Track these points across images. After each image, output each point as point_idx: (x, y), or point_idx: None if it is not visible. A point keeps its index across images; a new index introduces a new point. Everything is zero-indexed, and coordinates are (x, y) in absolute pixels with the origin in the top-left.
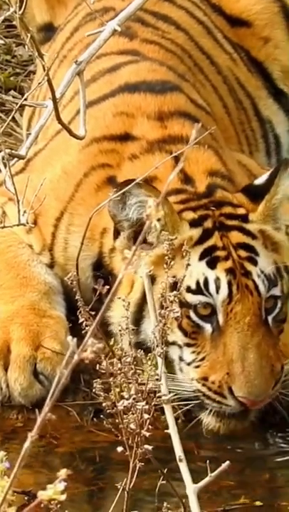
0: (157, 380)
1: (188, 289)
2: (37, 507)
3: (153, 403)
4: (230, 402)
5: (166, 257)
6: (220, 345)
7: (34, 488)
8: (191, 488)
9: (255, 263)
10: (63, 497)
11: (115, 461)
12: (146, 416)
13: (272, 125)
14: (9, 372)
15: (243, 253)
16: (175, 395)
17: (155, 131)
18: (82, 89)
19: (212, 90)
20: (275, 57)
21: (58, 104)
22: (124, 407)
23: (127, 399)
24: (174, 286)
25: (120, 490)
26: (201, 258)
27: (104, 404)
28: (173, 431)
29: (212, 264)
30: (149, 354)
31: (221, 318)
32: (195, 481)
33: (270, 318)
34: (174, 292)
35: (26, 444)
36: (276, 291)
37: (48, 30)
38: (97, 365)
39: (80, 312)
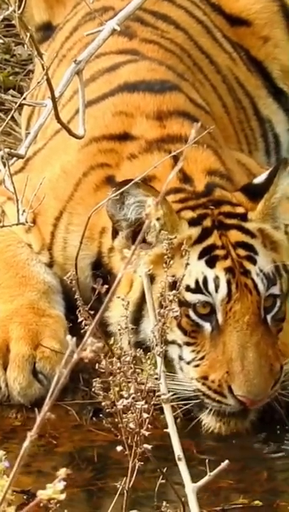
0: (156, 379)
1: (188, 288)
2: (36, 506)
3: (152, 402)
4: (230, 401)
5: (166, 257)
6: (219, 344)
7: (33, 487)
8: (190, 488)
9: (254, 262)
10: (63, 496)
11: (114, 460)
12: (145, 415)
13: (272, 124)
14: (8, 372)
15: (242, 252)
16: (174, 394)
17: (154, 130)
18: (81, 89)
19: (211, 89)
20: (274, 56)
21: (57, 103)
22: (124, 406)
23: (127, 398)
24: (174, 286)
25: (119, 489)
26: (200, 257)
27: (103, 404)
28: (172, 430)
29: (211, 263)
30: (149, 353)
31: (220, 317)
32: (194, 480)
33: (269, 317)
34: (174, 291)
35: (26, 444)
36: (275, 290)
37: (47, 30)
38: (97, 365)
39: (79, 311)
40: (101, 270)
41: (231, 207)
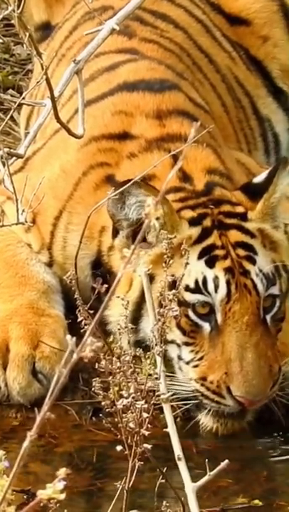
0: (156, 378)
1: (187, 288)
2: (36, 506)
3: (152, 402)
4: (229, 401)
5: (165, 256)
6: (218, 345)
7: (33, 487)
8: (189, 487)
9: (253, 262)
10: (63, 496)
11: (114, 459)
12: (145, 415)
13: (271, 124)
14: (8, 371)
15: (241, 252)
16: (174, 394)
17: (154, 129)
18: (80, 88)
19: (210, 89)
20: (274, 55)
21: (56, 103)
22: (124, 405)
23: (126, 398)
24: (173, 285)
25: (119, 489)
26: (199, 257)
27: (103, 403)
28: (172, 430)
29: (211, 263)
30: (148, 353)
31: (219, 317)
32: (194, 479)
33: (268, 317)
34: (173, 291)
35: (25, 443)
36: (274, 290)
37: (46, 29)
38: (96, 364)
39: (79, 311)
40: (101, 269)
41: (231, 206)
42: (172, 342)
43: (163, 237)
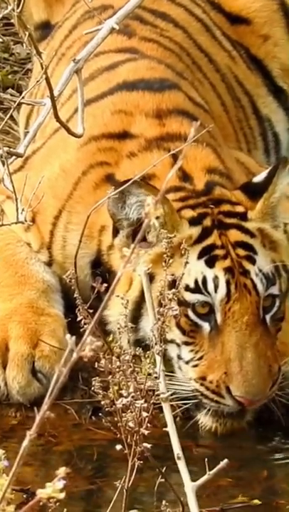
0: (156, 378)
1: (187, 288)
2: (36, 505)
3: (152, 401)
4: (228, 401)
5: (165, 255)
6: (218, 344)
7: (33, 486)
8: (189, 487)
9: (253, 262)
10: (62, 495)
11: (114, 459)
12: (144, 414)
13: (272, 123)
14: (7, 371)
15: (241, 252)
16: (173, 393)
17: (153, 129)
18: (80, 88)
19: (210, 88)
20: (274, 54)
21: (56, 102)
22: (123, 405)
23: (126, 397)
24: (173, 284)
25: (119, 488)
26: (199, 257)
27: (102, 403)
28: (171, 429)
29: (211, 263)
30: (148, 352)
31: (219, 317)
32: (193, 479)
33: (268, 317)
34: (173, 290)
35: (25, 443)
36: (274, 290)
37: (46, 28)
38: (96, 363)
39: (79, 310)
40: (100, 268)
41: (231, 206)
42: (172, 341)
43: (163, 236)
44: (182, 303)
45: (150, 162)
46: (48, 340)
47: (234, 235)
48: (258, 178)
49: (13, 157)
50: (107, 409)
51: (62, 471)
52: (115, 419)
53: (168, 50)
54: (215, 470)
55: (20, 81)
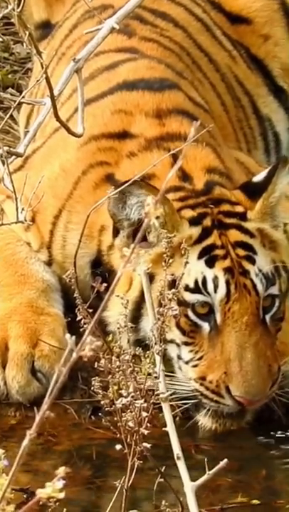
0: (156, 378)
1: (187, 288)
2: (35, 505)
3: (151, 401)
4: (228, 401)
5: (165, 255)
6: (217, 344)
7: (32, 485)
8: (188, 486)
9: (253, 262)
10: (62, 495)
11: (113, 458)
12: (144, 414)
13: (272, 123)
14: (7, 370)
15: (241, 252)
16: (173, 393)
17: (153, 128)
18: (80, 87)
19: (210, 88)
20: (274, 54)
21: (56, 101)
22: (123, 404)
23: (126, 397)
24: (173, 284)
25: (118, 488)
26: (199, 257)
27: (102, 402)
28: (171, 429)
29: (210, 263)
30: (148, 352)
31: (218, 317)
32: (193, 479)
33: (267, 317)
34: (173, 290)
35: (25, 442)
36: (274, 290)
37: (46, 28)
38: (96, 363)
39: (78, 310)
40: (100, 268)
41: (231, 206)
42: (172, 342)
43: (163, 236)
44: (182, 303)
45: (150, 162)
46: (47, 339)
47: (234, 235)
48: (258, 178)
49: (13, 156)
50: (106, 408)
51: (62, 470)
52: (115, 418)
53: (168, 49)
54: (214, 470)
55: (21, 80)
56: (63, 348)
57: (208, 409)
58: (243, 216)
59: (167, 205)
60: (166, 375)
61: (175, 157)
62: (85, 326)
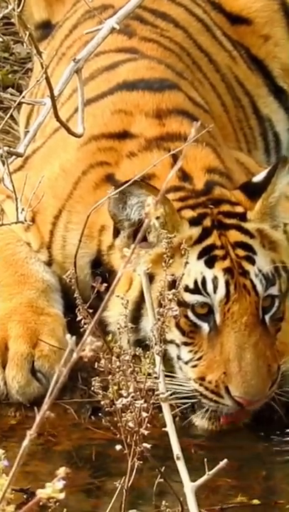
0: (156, 378)
1: (186, 289)
2: (35, 505)
3: (151, 401)
4: (227, 401)
5: (165, 256)
6: (217, 345)
7: (32, 485)
8: (188, 487)
9: (252, 262)
10: (62, 495)
11: (113, 459)
12: (144, 414)
13: (272, 123)
14: (7, 370)
15: (240, 252)
16: (173, 393)
17: (153, 128)
18: (80, 87)
19: (210, 88)
20: (275, 55)
21: (56, 101)
22: (123, 405)
23: (126, 397)
24: (173, 285)
25: (118, 488)
26: (199, 257)
27: (102, 403)
28: (171, 429)
29: (210, 264)
30: (148, 352)
31: (218, 317)
32: (193, 479)
33: (267, 318)
34: (173, 290)
35: (25, 442)
36: (274, 291)
37: (46, 28)
38: (96, 363)
39: (79, 310)
40: (100, 268)
41: (230, 206)
42: (171, 342)
43: (163, 236)
44: (182, 303)
45: (150, 162)
46: (47, 339)
47: (234, 235)
48: (258, 178)
49: (13, 157)
50: (106, 409)
51: (62, 470)
52: (115, 419)
53: (168, 50)
54: (214, 470)
55: (21, 80)
56: (63, 348)
57: (205, 411)
58: (242, 216)
59: (167, 206)
60: (166, 376)
61: (175, 157)
62: (85, 326)
